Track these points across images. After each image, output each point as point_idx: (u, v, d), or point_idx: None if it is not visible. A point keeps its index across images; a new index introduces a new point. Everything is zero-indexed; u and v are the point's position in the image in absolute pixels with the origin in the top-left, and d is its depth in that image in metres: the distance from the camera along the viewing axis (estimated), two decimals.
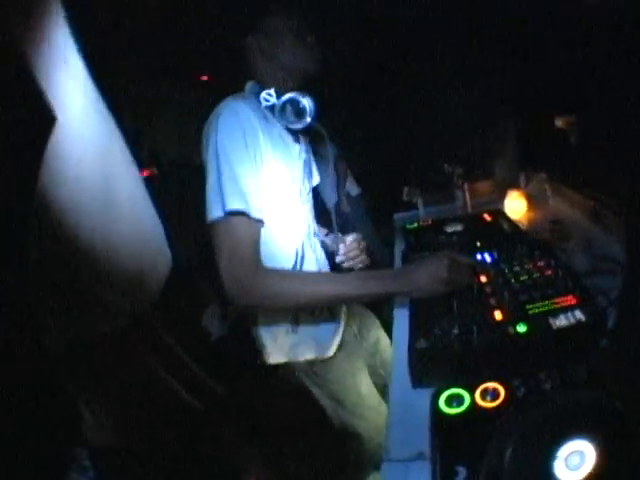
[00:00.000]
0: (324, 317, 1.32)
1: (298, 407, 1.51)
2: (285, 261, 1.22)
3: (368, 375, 1.45)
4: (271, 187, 1.13)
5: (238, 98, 1.14)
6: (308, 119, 1.20)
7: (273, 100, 1.17)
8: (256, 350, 1.32)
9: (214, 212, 1.03)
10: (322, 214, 1.59)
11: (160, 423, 2.12)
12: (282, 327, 1.25)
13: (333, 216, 1.45)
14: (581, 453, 0.70)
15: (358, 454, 1.40)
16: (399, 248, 1.82)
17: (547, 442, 0.74)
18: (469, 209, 1.98)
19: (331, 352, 1.31)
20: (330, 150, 1.52)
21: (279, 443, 2.13)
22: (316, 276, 1.21)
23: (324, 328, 1.32)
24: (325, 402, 1.34)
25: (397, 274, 1.15)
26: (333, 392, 1.34)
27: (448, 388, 0.90)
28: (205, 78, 3.25)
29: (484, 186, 2.21)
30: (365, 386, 1.40)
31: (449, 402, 0.87)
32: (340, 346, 1.36)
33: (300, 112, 1.19)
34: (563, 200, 1.84)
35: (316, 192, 1.55)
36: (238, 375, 2.41)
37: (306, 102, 1.18)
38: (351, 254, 1.38)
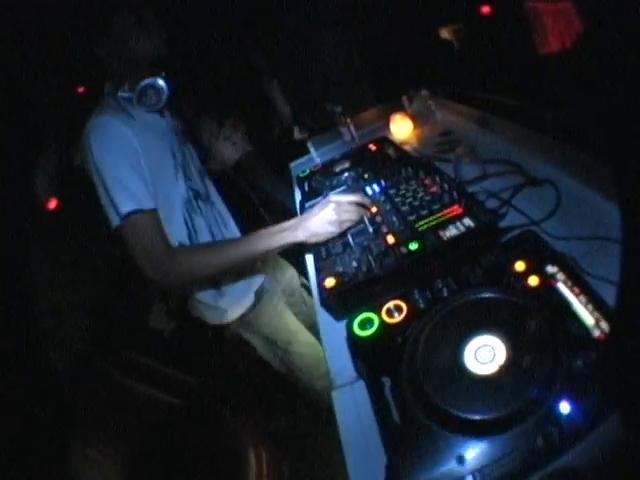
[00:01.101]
0: (245, 277, 1.56)
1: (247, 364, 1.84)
2: (179, 234, 1.41)
3: (293, 314, 1.74)
4: (153, 171, 1.29)
5: (100, 111, 1.28)
6: (164, 96, 1.37)
7: (128, 94, 1.32)
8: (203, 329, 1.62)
9: (114, 220, 1.20)
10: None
11: (151, 430, 2.25)
12: (210, 296, 1.50)
13: None
14: (490, 347, 0.84)
15: (305, 390, 1.66)
16: (297, 197, 1.91)
17: (452, 340, 0.88)
18: (357, 142, 2.10)
19: (253, 300, 1.58)
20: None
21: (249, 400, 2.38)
22: (222, 243, 1.38)
23: (244, 283, 1.57)
24: (263, 349, 1.67)
25: (292, 225, 1.27)
26: (266, 335, 1.63)
27: (358, 314, 1.04)
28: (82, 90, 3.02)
29: (367, 116, 2.34)
30: (292, 324, 1.69)
31: (362, 326, 1.01)
32: (261, 293, 1.61)
33: (158, 92, 1.36)
34: (449, 112, 2.00)
35: None
36: (199, 358, 2.64)
37: (160, 82, 1.36)
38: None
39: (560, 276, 0.91)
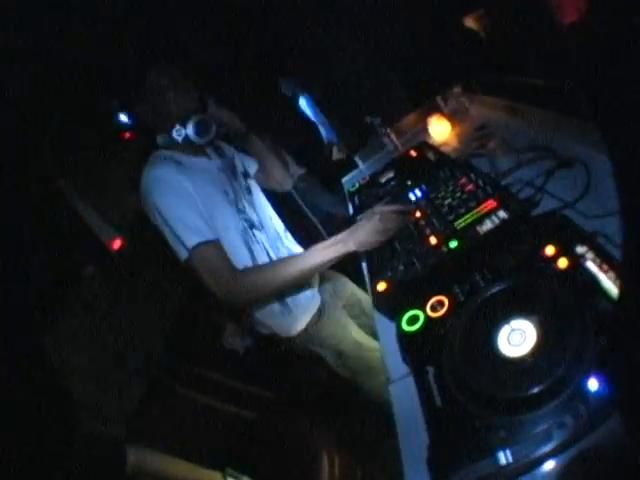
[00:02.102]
0: (307, 291, 1.60)
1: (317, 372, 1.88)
2: (242, 259, 1.47)
3: (355, 325, 1.76)
4: (209, 210, 1.38)
5: (153, 163, 1.39)
6: (213, 128, 1.47)
7: (183, 131, 1.43)
8: (274, 345, 1.67)
9: (182, 254, 1.31)
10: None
11: (227, 443, 2.38)
12: (276, 311, 1.53)
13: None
14: (521, 331, 0.87)
15: (376, 396, 1.67)
16: (350, 211, 1.98)
17: (485, 327, 0.92)
18: (400, 149, 2.13)
19: (317, 311, 1.61)
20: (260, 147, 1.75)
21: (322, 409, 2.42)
22: (282, 261, 1.45)
23: (306, 297, 1.60)
24: (330, 359, 1.66)
25: (344, 238, 1.33)
26: (332, 347, 1.63)
27: (406, 312, 1.11)
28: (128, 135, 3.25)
29: (406, 122, 2.35)
30: (356, 333, 1.71)
31: (409, 322, 1.09)
32: (323, 307, 1.64)
33: (206, 126, 1.46)
34: (482, 107, 1.98)
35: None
36: (275, 374, 2.71)
37: (206, 116, 1.47)
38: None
39: (589, 255, 0.92)
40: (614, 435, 0.64)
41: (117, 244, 3.03)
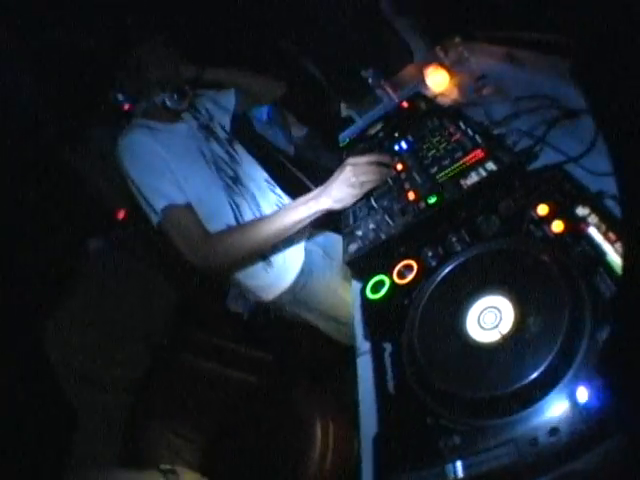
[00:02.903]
0: (289, 248, 1.53)
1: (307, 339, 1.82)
2: (226, 217, 1.44)
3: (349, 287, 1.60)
4: (186, 170, 1.36)
5: (127, 131, 1.37)
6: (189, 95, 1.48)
7: (159, 98, 1.42)
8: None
9: (154, 219, 1.28)
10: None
11: (233, 410, 2.26)
12: (259, 270, 1.47)
13: None
14: (496, 310, 0.67)
15: None
16: None
17: (454, 303, 0.72)
18: (397, 103, 1.88)
19: (300, 270, 1.54)
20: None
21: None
22: (253, 223, 1.35)
23: (292, 257, 1.54)
24: (323, 324, 1.60)
25: (315, 195, 1.21)
26: (325, 312, 1.57)
27: (371, 277, 0.95)
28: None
29: (404, 74, 2.11)
30: (350, 297, 1.53)
31: (374, 289, 0.92)
32: (309, 268, 1.56)
33: (181, 93, 1.44)
34: (482, 56, 1.75)
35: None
36: (276, 339, 2.60)
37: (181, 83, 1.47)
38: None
39: (592, 219, 0.70)
40: (607, 461, 0.44)
41: (121, 214, 2.90)
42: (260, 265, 1.47)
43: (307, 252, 1.60)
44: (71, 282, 2.51)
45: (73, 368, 2.11)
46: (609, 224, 0.68)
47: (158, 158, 1.31)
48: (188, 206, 1.29)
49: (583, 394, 0.50)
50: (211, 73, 1.62)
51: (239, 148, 1.65)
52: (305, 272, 1.55)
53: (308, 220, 1.22)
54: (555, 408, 0.51)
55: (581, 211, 0.74)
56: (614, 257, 0.64)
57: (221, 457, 1.95)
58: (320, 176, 1.70)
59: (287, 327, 1.93)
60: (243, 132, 1.87)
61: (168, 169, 1.31)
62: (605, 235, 0.67)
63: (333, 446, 1.81)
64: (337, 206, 1.18)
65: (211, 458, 1.82)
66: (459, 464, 0.54)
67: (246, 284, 1.54)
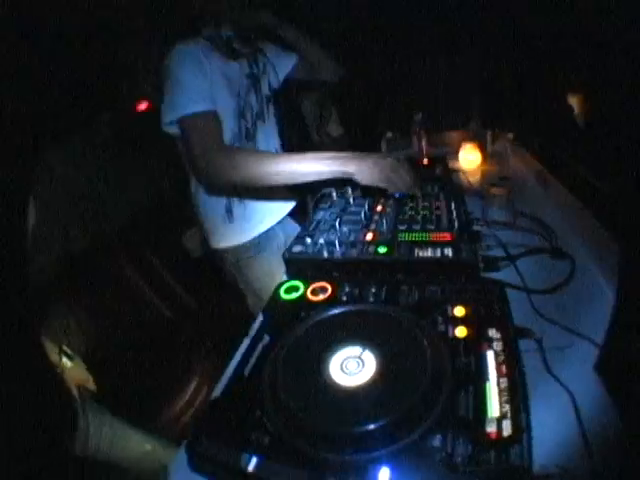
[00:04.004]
0: (254, 214, 1.52)
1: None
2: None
3: None
4: (217, 97, 1.30)
5: (184, 42, 1.31)
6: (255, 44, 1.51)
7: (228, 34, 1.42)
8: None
9: (176, 114, 1.23)
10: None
11: (136, 328, 2.35)
12: (219, 217, 1.47)
13: None
14: (356, 358, 0.68)
15: None
16: None
17: (328, 339, 0.73)
18: (423, 156, 1.85)
19: (254, 244, 1.53)
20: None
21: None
22: (272, 153, 1.35)
23: (253, 223, 1.53)
24: (251, 299, 1.62)
25: (346, 156, 1.15)
26: (255, 290, 1.57)
27: (292, 279, 0.97)
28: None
29: (446, 135, 2.08)
30: None
31: (288, 290, 0.94)
32: (264, 248, 1.55)
33: (250, 40, 1.47)
34: (519, 161, 1.73)
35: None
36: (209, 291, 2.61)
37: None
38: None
39: (496, 346, 0.65)
40: None
41: (143, 105, 2.71)
42: (223, 213, 1.48)
43: (271, 232, 1.59)
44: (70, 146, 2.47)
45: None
46: (509, 360, 0.64)
47: (203, 71, 1.28)
48: (214, 115, 1.25)
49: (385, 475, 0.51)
50: (284, 30, 1.59)
51: (271, 111, 1.62)
52: (259, 246, 1.54)
53: (324, 175, 1.16)
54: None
55: (492, 333, 0.70)
56: (492, 389, 0.61)
57: (106, 366, 1.90)
58: None
59: (221, 285, 1.91)
60: (286, 99, 1.81)
61: (207, 82, 1.27)
62: (498, 366, 0.64)
63: (197, 404, 1.91)
64: (357, 178, 1.13)
65: (99, 364, 1.75)
66: (254, 460, 0.56)
67: (204, 224, 1.55)
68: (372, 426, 0.56)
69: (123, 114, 2.75)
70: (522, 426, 0.57)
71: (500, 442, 0.55)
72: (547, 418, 0.63)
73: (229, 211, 1.47)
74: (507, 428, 0.56)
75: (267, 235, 1.57)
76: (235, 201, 1.47)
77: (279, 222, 1.63)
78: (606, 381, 0.69)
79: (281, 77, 1.65)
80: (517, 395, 0.61)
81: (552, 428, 0.63)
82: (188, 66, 1.26)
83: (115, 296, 2.39)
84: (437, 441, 0.56)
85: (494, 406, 0.59)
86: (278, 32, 1.57)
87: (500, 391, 0.61)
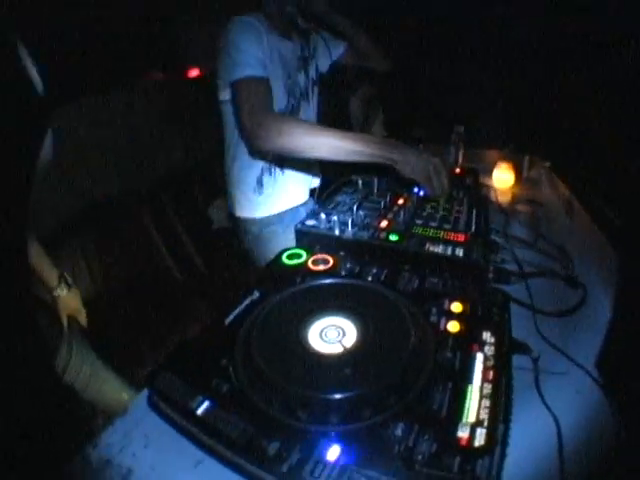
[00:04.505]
0: (283, 189, 1.52)
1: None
2: None
3: None
4: (270, 69, 1.31)
5: (244, 15, 1.32)
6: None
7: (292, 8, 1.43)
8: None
9: (231, 77, 1.23)
10: None
11: (142, 281, 2.39)
12: (250, 187, 1.48)
13: None
14: (338, 328, 0.65)
15: None
16: None
17: (301, 310, 0.71)
18: (457, 166, 1.80)
19: (278, 221, 1.53)
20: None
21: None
22: (322, 126, 1.27)
23: (280, 198, 1.53)
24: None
25: (395, 144, 1.15)
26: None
27: (297, 248, 0.97)
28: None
29: (482, 154, 2.02)
30: None
31: (290, 257, 0.93)
32: (289, 225, 1.47)
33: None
34: (552, 189, 1.66)
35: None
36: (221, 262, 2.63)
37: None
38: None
39: (487, 350, 0.60)
40: None
41: (194, 72, 2.76)
42: (254, 184, 1.48)
43: (296, 210, 1.58)
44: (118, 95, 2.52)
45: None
46: (497, 367, 0.59)
47: (260, 41, 1.29)
48: (267, 82, 1.25)
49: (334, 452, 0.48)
50: (338, 18, 1.61)
51: (316, 93, 1.63)
52: (283, 222, 1.53)
53: (368, 157, 1.14)
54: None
55: (486, 336, 0.65)
56: (474, 392, 0.56)
57: (103, 310, 1.91)
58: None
59: (235, 258, 1.88)
60: (332, 85, 1.79)
61: (263, 52, 1.29)
62: (485, 370, 0.59)
63: None
64: (400, 167, 1.12)
65: (96, 305, 1.76)
66: (206, 403, 0.55)
67: (233, 192, 1.54)
68: (334, 396, 0.53)
69: (174, 77, 2.78)
70: (497, 438, 0.52)
71: (469, 450, 0.50)
72: (526, 439, 0.58)
73: (259, 182, 1.48)
74: (480, 437, 0.52)
75: (292, 212, 1.57)
76: (267, 174, 1.48)
77: (304, 203, 1.63)
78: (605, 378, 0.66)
79: (329, 62, 1.67)
80: (499, 405, 0.56)
81: (529, 450, 0.58)
82: (247, 34, 1.27)
83: (129, 247, 2.41)
84: (400, 430, 0.52)
85: (471, 410, 0.55)
86: (330, 19, 1.59)
87: (481, 396, 0.57)
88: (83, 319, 1.48)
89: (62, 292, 1.39)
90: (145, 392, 0.66)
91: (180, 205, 2.73)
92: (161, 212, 2.62)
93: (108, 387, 1.47)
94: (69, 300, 1.42)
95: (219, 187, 2.68)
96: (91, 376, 1.42)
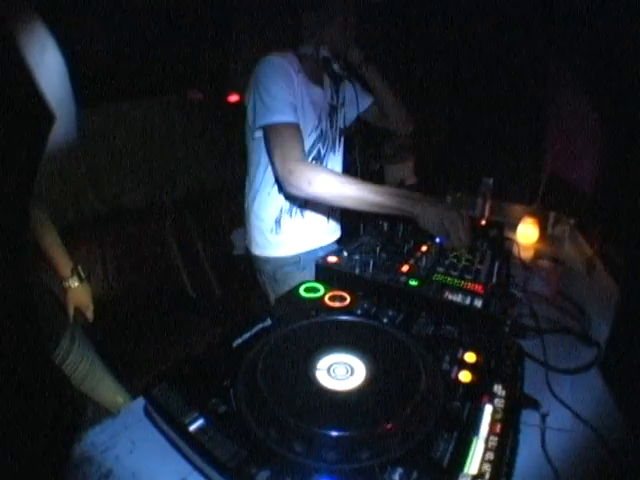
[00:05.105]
0: (301, 231, 1.52)
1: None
2: None
3: None
4: (299, 106, 1.35)
5: (276, 54, 1.33)
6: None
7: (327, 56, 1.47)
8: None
9: (263, 121, 1.26)
10: None
11: (155, 292, 2.44)
12: (268, 226, 1.48)
13: None
14: (347, 365, 0.66)
15: None
16: None
17: (313, 342, 0.72)
18: (483, 218, 1.81)
19: (293, 261, 1.52)
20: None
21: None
22: (351, 178, 1.30)
23: (298, 240, 1.52)
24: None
25: (416, 198, 1.17)
26: None
27: (318, 283, 0.99)
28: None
29: (508, 208, 2.03)
30: None
31: (308, 290, 0.96)
32: (302, 265, 1.52)
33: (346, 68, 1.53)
34: (575, 246, 1.67)
35: None
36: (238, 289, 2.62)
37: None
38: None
39: (497, 402, 0.61)
40: None
41: (234, 98, 2.84)
42: (272, 224, 1.48)
43: (312, 253, 1.55)
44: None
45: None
46: (506, 422, 0.60)
47: (291, 85, 1.30)
48: (298, 127, 1.28)
49: None
50: (370, 71, 1.60)
51: (342, 143, 1.64)
52: (298, 264, 1.53)
53: (390, 210, 1.18)
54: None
55: (497, 389, 0.66)
56: (479, 443, 0.57)
57: (111, 312, 1.99)
58: None
59: (251, 288, 1.90)
60: (359, 137, 1.81)
61: (294, 96, 1.30)
62: (493, 422, 0.60)
63: None
64: (419, 221, 1.16)
65: (104, 306, 1.77)
66: (200, 421, 0.56)
67: (251, 229, 1.54)
68: (334, 433, 0.53)
69: (214, 99, 2.86)
70: None
71: None
72: None
73: (277, 223, 1.48)
74: None
75: (308, 255, 1.55)
76: (286, 215, 1.48)
77: (323, 246, 1.62)
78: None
79: (356, 113, 1.67)
80: (503, 459, 0.56)
81: None
82: (278, 77, 1.28)
83: (147, 257, 2.45)
84: (397, 476, 0.51)
85: (474, 462, 0.55)
86: (362, 70, 1.59)
87: (486, 449, 0.57)
88: (90, 314, 1.51)
89: (73, 284, 1.43)
90: (140, 400, 0.66)
91: (204, 225, 2.76)
92: (183, 229, 2.66)
93: (103, 387, 1.49)
94: (79, 293, 1.46)
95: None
96: (88, 373, 1.44)
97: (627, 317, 0.85)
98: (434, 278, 1.00)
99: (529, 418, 0.69)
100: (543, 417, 0.70)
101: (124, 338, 1.94)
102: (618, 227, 1.41)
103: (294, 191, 1.25)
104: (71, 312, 1.46)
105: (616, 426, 0.72)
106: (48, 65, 0.52)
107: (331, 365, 0.66)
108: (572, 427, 0.72)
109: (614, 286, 1.23)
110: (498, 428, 0.60)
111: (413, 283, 0.96)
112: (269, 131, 1.26)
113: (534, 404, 0.70)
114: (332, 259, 1.09)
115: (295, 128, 1.26)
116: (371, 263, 1.02)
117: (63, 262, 1.42)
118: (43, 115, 0.48)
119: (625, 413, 0.72)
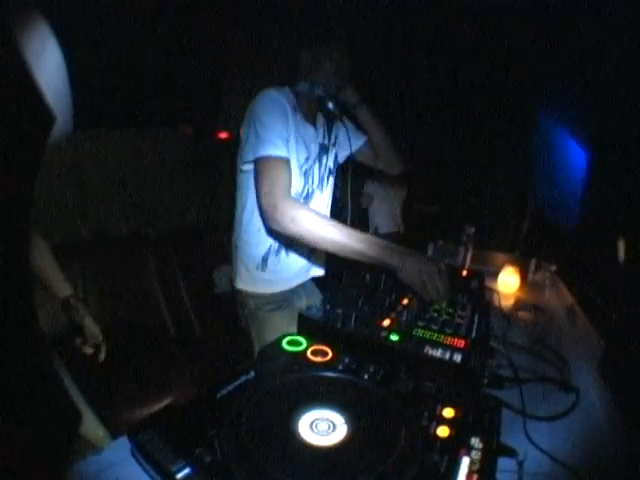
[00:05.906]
0: (286, 270, 1.53)
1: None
2: None
3: None
4: (291, 143, 1.36)
5: (271, 89, 1.36)
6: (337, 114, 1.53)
7: (322, 95, 1.45)
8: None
9: (253, 155, 1.28)
10: None
11: (136, 326, 2.41)
12: (254, 263, 1.49)
13: None
14: (329, 421, 0.69)
15: None
16: None
17: (295, 398, 0.75)
18: (465, 268, 1.87)
19: (277, 301, 1.53)
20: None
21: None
22: (338, 223, 1.29)
23: (282, 278, 1.54)
24: (257, 347, 1.55)
25: (397, 250, 1.20)
26: (265, 342, 1.57)
27: (299, 335, 1.01)
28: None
29: (490, 256, 2.09)
30: None
31: (290, 343, 0.97)
32: (285, 304, 1.54)
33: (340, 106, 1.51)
34: (556, 293, 1.71)
35: None
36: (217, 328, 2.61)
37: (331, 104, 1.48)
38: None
39: (474, 454, 0.64)
40: None
41: (224, 134, 2.90)
42: (258, 261, 1.49)
43: (295, 292, 1.60)
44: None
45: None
46: (482, 471, 0.63)
47: (285, 120, 1.32)
48: (288, 163, 1.29)
49: None
50: (364, 112, 1.61)
51: (331, 182, 1.65)
52: (281, 302, 1.54)
53: (369, 260, 1.21)
54: None
55: (474, 441, 0.69)
56: None
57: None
58: None
59: (231, 327, 1.91)
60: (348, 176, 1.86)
61: (286, 132, 1.31)
62: (469, 474, 0.63)
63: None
64: (398, 274, 1.19)
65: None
66: (187, 470, 0.57)
67: (237, 265, 1.54)
68: None
69: (205, 134, 2.91)
70: None
71: None
72: None
73: (264, 261, 1.49)
74: None
75: (291, 293, 1.58)
76: (273, 254, 1.49)
77: (303, 285, 1.64)
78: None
79: (348, 153, 1.67)
80: None
81: None
82: (274, 111, 1.30)
83: (128, 289, 2.44)
84: None
85: None
86: (356, 110, 1.61)
87: None
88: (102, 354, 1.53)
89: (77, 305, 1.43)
90: (123, 439, 0.67)
91: (186, 261, 2.76)
92: (166, 263, 2.65)
93: (85, 420, 1.42)
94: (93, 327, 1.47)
95: (228, 253, 2.79)
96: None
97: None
98: (414, 333, 1.02)
99: (507, 465, 0.72)
100: (520, 464, 0.72)
101: (100, 370, 1.90)
102: (598, 270, 1.46)
103: (276, 227, 1.26)
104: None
105: (595, 469, 0.74)
106: (48, 59, 0.56)
107: (313, 421, 0.69)
108: (550, 471, 0.74)
109: (594, 332, 1.27)
110: (475, 479, 0.62)
111: (394, 338, 0.98)
112: (259, 164, 1.27)
113: (511, 453, 0.73)
114: (314, 310, 1.11)
115: (285, 163, 1.27)
116: (353, 317, 1.05)
117: (58, 282, 1.42)
118: (43, 115, 0.51)
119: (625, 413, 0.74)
